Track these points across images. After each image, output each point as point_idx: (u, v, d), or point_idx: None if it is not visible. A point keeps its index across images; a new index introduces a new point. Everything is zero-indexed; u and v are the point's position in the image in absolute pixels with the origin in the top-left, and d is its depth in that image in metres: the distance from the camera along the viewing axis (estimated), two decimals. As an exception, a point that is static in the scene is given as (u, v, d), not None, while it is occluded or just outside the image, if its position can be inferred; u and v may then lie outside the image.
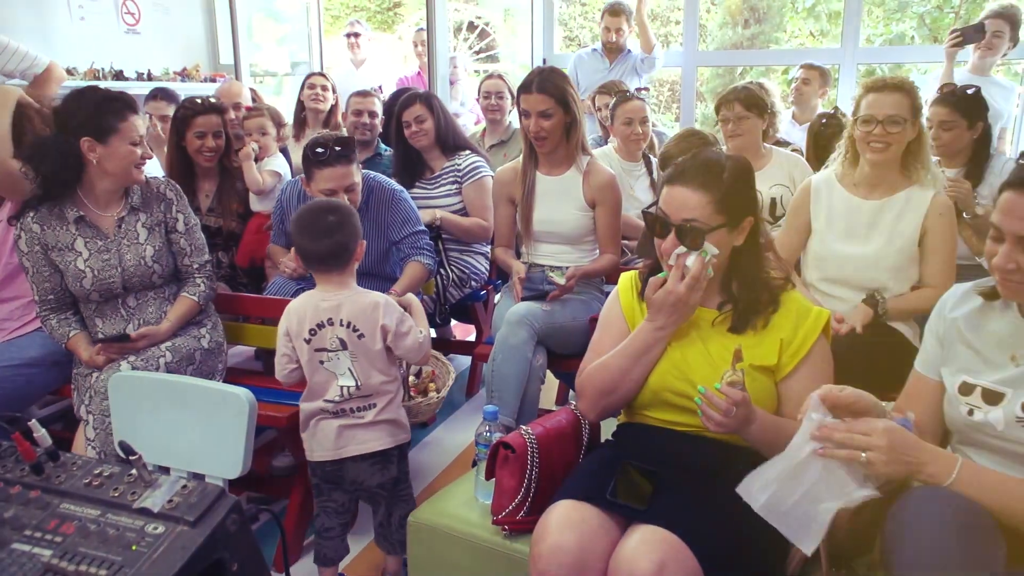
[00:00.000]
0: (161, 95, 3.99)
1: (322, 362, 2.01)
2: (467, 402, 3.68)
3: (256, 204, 3.17)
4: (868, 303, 2.32)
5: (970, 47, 3.79)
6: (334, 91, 4.27)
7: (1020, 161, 1.41)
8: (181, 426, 1.87)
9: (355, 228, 2.05)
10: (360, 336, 2.00)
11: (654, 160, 3.48)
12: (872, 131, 2.32)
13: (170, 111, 3.79)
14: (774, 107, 3.15)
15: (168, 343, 2.36)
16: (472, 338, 4.02)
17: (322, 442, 2.03)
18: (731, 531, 1.49)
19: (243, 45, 5.79)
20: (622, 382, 1.71)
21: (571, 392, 3.45)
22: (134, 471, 0.96)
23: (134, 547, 0.85)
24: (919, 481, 1.38)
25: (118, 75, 4.85)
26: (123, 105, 2.27)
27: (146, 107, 3.89)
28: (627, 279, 1.87)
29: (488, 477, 1.78)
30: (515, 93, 4.09)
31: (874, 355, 2.21)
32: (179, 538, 0.86)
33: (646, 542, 1.44)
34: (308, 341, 2.00)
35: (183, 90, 4.71)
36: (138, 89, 4.55)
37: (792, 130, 4.23)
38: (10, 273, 2.53)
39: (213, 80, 5.52)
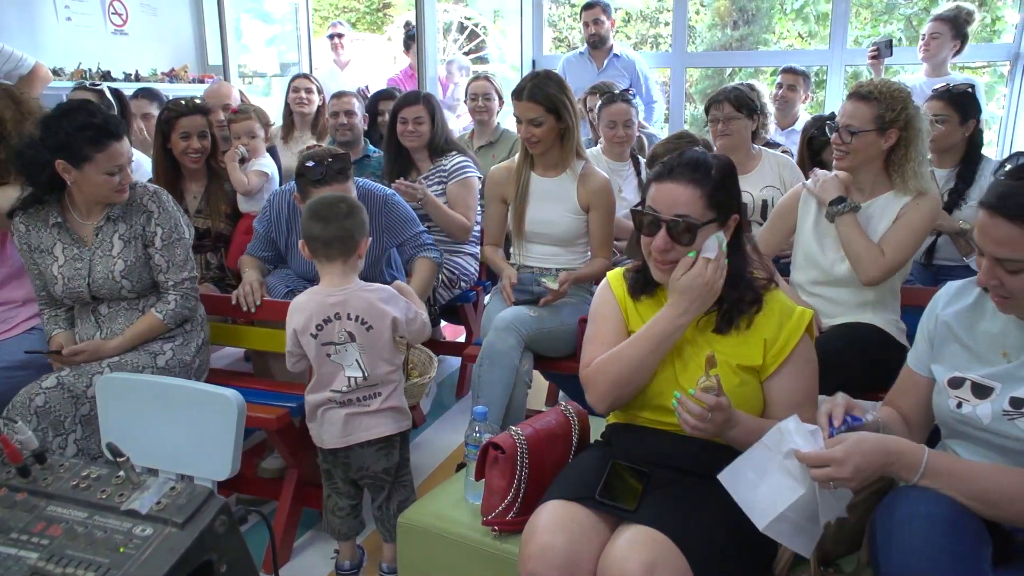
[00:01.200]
0: (143, 94, 3.98)
1: (329, 355, 2.06)
2: (457, 403, 3.68)
3: (244, 205, 3.16)
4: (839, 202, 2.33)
5: (918, 52, 4.09)
6: (320, 92, 4.27)
7: (998, 175, 1.41)
8: (170, 428, 1.86)
9: (364, 222, 2.12)
10: (369, 328, 2.06)
11: (642, 161, 3.49)
12: (834, 138, 2.36)
13: (152, 109, 3.78)
14: (764, 108, 3.16)
15: (115, 359, 2.28)
16: (462, 339, 4.02)
17: (330, 430, 2.09)
18: (720, 531, 1.50)
19: (231, 46, 5.78)
20: (638, 372, 1.67)
21: (561, 392, 3.45)
22: (122, 473, 0.96)
23: (122, 549, 0.84)
24: (892, 475, 1.41)
25: (105, 76, 4.84)
26: (105, 134, 2.17)
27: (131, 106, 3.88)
28: (617, 274, 1.86)
29: (478, 478, 1.78)
30: (502, 94, 4.16)
31: (860, 353, 2.24)
32: (167, 540, 0.85)
33: (635, 542, 1.44)
34: (315, 336, 2.05)
35: (171, 91, 4.71)
36: (125, 90, 4.54)
37: (774, 134, 4.25)
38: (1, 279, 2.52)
39: (201, 81, 5.51)
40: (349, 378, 2.05)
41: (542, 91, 2.64)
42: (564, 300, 2.71)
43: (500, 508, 1.71)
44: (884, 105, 2.27)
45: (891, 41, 4.12)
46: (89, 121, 2.15)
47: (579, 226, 2.77)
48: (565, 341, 2.65)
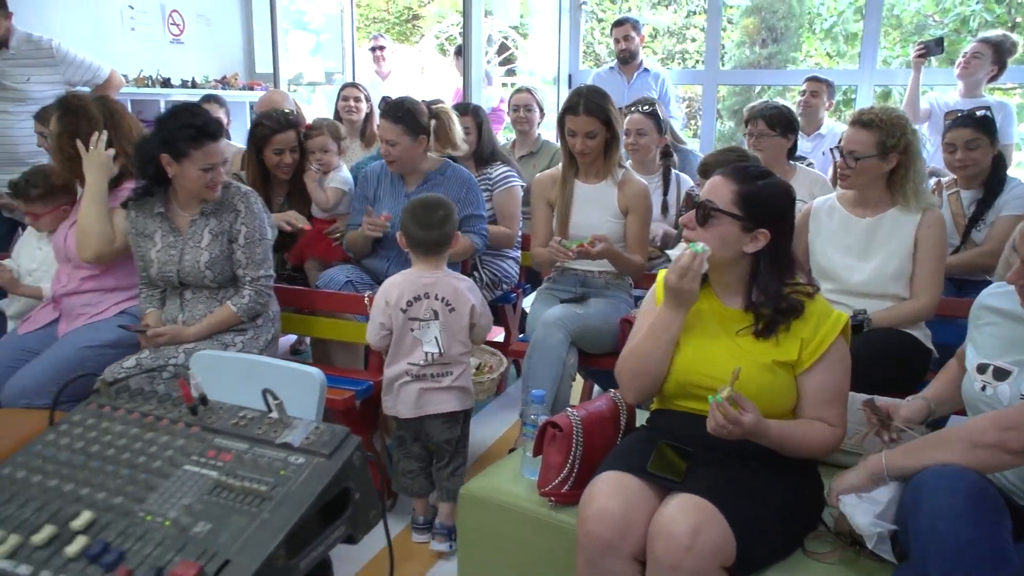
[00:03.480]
0: (210, 99, 4.20)
1: (412, 330, 2.34)
2: (494, 399, 3.83)
3: (318, 211, 3.32)
4: (854, 324, 2.35)
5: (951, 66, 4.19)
6: (368, 101, 4.46)
7: None
8: (257, 402, 2.03)
9: (455, 222, 2.42)
10: (452, 310, 2.37)
11: (674, 172, 3.62)
12: (839, 161, 2.51)
13: (220, 113, 4.00)
14: (796, 127, 3.31)
15: (190, 345, 2.45)
16: (500, 338, 4.18)
17: (405, 401, 2.40)
18: (761, 501, 1.65)
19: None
20: (648, 362, 1.85)
21: (596, 388, 3.60)
22: (273, 414, 1.15)
23: (282, 472, 1.03)
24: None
25: (165, 83, 5.09)
26: (201, 133, 2.38)
27: None
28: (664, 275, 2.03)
29: (536, 454, 1.95)
30: (543, 106, 4.33)
31: (889, 355, 2.37)
32: (318, 467, 1.04)
33: (683, 507, 1.59)
34: (404, 311, 2.35)
35: (224, 97, 4.93)
36: (183, 96, 4.78)
37: (801, 142, 4.38)
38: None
39: (251, 88, 5.74)
40: (426, 353, 2.31)
41: (597, 104, 2.80)
42: (607, 300, 2.89)
43: (556, 481, 1.87)
44: (885, 132, 2.42)
45: (942, 39, 4.14)
46: (190, 121, 2.40)
47: (618, 229, 2.93)
48: (607, 339, 2.81)
